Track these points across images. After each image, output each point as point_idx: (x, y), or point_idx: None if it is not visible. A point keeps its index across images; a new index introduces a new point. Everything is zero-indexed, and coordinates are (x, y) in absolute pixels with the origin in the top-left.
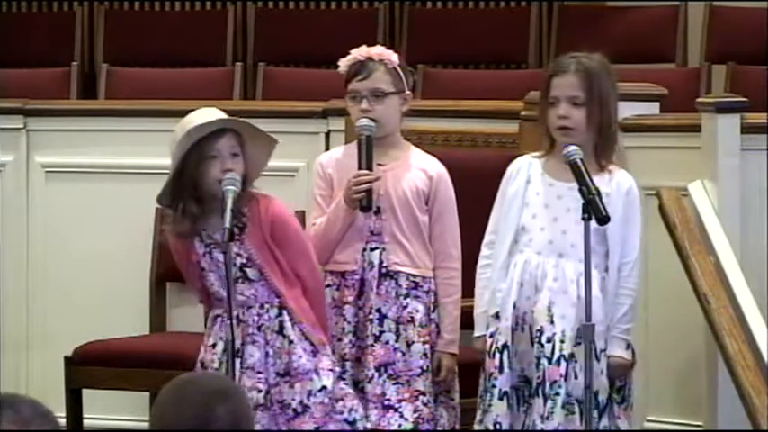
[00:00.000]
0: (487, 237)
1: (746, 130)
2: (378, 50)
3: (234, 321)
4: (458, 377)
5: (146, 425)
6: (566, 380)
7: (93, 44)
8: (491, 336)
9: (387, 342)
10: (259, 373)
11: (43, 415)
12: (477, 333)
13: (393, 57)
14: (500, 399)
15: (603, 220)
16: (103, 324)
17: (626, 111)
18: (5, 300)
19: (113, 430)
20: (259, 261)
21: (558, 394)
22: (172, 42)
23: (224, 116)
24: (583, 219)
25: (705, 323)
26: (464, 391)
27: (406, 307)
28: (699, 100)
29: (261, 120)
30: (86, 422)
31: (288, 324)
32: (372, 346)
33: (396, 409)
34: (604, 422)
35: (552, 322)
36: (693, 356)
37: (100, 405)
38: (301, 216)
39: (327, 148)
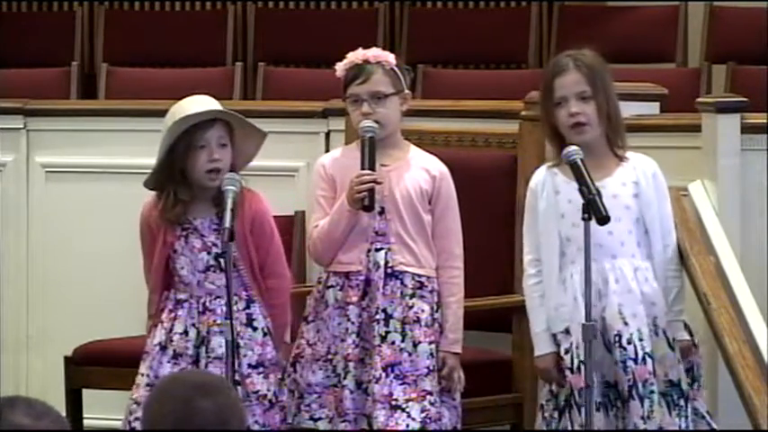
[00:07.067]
0: (528, 256)
1: (746, 130)
2: (374, 52)
3: (199, 310)
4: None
5: None
6: (654, 376)
7: (93, 44)
8: (566, 352)
9: (393, 342)
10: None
11: (56, 417)
12: (539, 352)
13: (390, 57)
14: (597, 410)
15: (604, 220)
16: (103, 324)
17: (626, 111)
18: (5, 300)
19: (113, 430)
20: (236, 252)
21: (652, 392)
22: (172, 42)
23: (214, 105)
24: (583, 219)
25: (705, 323)
26: (466, 392)
27: (411, 307)
28: (699, 100)
29: (261, 120)
30: (86, 422)
31: (259, 317)
32: (379, 346)
33: (403, 410)
34: (689, 409)
35: (626, 323)
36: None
37: (100, 405)
38: (301, 216)
39: (327, 148)
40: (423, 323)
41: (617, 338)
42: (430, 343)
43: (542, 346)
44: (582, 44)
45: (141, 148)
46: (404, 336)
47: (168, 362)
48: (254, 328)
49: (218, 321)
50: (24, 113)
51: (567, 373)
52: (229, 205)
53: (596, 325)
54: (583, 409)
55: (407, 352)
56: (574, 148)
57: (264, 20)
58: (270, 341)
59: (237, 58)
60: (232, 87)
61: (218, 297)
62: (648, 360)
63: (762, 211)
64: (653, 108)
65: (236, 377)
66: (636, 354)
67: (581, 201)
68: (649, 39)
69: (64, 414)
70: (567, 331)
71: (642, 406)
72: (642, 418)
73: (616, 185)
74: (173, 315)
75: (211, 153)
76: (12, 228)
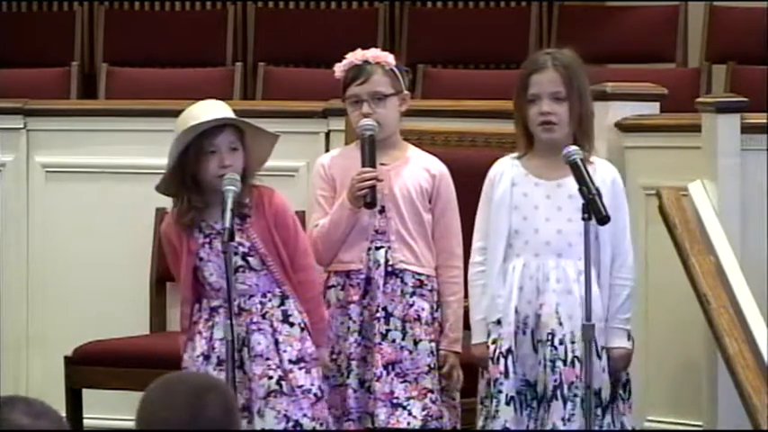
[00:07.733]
0: (477, 243)
1: (746, 130)
2: (373, 53)
3: (235, 312)
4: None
5: None
6: (581, 380)
7: (93, 44)
8: (493, 342)
9: (393, 341)
10: (268, 359)
11: (55, 416)
12: (475, 340)
13: (389, 58)
14: (507, 404)
15: (604, 219)
16: (103, 324)
17: (626, 111)
18: (5, 300)
19: (113, 430)
20: (262, 250)
21: (576, 395)
22: (172, 42)
23: (225, 110)
24: (583, 219)
25: (705, 323)
26: (465, 391)
27: (412, 305)
28: (699, 100)
29: (261, 119)
30: (86, 422)
31: (295, 312)
32: (380, 344)
33: (404, 408)
34: (608, 419)
35: (561, 324)
36: (693, 356)
37: (100, 405)
38: (301, 216)
39: (327, 148)
40: (423, 321)
41: (549, 337)
42: (430, 341)
43: (479, 335)
44: (581, 44)
45: (141, 148)
46: (404, 334)
47: (213, 370)
48: (291, 324)
49: (255, 320)
50: (24, 113)
51: (489, 362)
52: (229, 205)
53: (594, 325)
54: (494, 401)
55: (408, 350)
56: (574, 147)
57: (264, 20)
58: (308, 336)
59: (237, 58)
60: (232, 87)
61: (252, 296)
62: (577, 363)
63: (762, 211)
64: (653, 108)
65: (279, 372)
66: (566, 355)
67: (536, 195)
68: (649, 39)
69: (64, 414)
70: (498, 322)
71: (564, 407)
72: (563, 419)
73: (573, 187)
74: (210, 323)
75: (222, 159)
76: (12, 227)
